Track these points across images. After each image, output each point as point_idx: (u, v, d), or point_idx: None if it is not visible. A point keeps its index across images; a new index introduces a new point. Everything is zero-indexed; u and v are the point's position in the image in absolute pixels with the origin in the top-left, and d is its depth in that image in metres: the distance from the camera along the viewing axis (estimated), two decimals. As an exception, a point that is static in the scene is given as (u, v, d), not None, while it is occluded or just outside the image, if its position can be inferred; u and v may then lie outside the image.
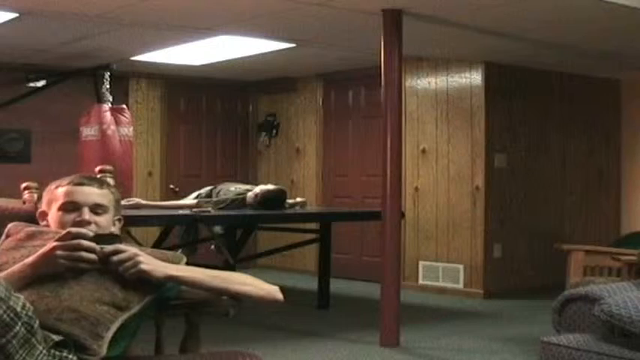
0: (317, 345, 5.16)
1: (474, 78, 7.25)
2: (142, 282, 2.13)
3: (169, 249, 5.08)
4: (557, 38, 6.16)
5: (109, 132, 7.04)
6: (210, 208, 5.71)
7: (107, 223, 2.33)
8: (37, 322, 1.85)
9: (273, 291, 2.26)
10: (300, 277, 8.20)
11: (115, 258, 2.09)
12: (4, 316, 1.76)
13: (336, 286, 6.99)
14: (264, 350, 4.94)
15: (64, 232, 2.19)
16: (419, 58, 7.49)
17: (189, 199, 6.38)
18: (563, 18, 5.44)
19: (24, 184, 2.86)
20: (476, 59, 7.15)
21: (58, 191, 2.33)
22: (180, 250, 5.96)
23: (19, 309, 1.79)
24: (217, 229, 6.53)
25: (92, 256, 2.07)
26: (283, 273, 8.55)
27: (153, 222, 6.11)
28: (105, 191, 2.36)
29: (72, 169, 6.11)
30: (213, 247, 6.76)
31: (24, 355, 1.80)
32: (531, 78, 7.56)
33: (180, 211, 5.78)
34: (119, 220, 2.41)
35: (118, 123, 7.13)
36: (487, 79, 7.19)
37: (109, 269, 2.10)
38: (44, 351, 1.86)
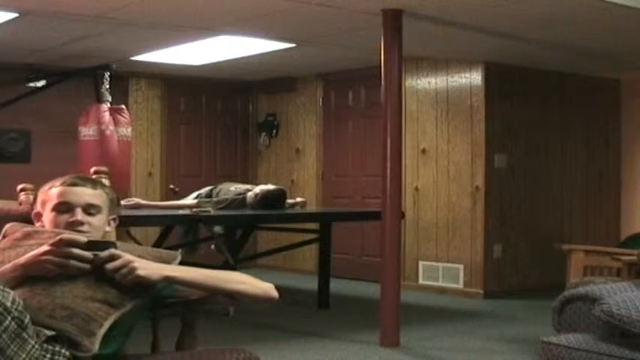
0: (317, 345, 5.16)
1: (474, 78, 7.25)
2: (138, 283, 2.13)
3: (170, 249, 5.08)
4: (557, 38, 6.16)
5: (108, 132, 7.02)
6: (210, 208, 5.71)
7: (101, 223, 2.33)
8: (28, 316, 1.86)
9: (268, 289, 2.27)
10: (300, 277, 8.20)
11: (110, 266, 2.08)
12: None
13: (336, 286, 6.99)
14: (264, 350, 4.94)
15: (58, 233, 2.19)
16: (419, 58, 7.49)
17: (189, 199, 6.38)
18: (563, 18, 5.44)
19: (20, 186, 2.88)
20: (476, 59, 7.15)
21: (52, 192, 2.33)
22: (180, 250, 5.96)
23: (8, 304, 1.81)
24: (217, 229, 6.52)
25: (84, 265, 2.06)
26: (283, 273, 8.55)
27: (153, 222, 6.12)
28: (98, 191, 2.35)
29: (72, 169, 6.12)
30: (213, 247, 6.76)
31: (15, 349, 1.82)
32: (531, 78, 7.56)
33: (180, 211, 5.78)
34: (114, 219, 2.41)
35: (116, 123, 7.11)
36: (487, 79, 7.18)
37: (102, 272, 2.09)
38: (37, 345, 1.88)
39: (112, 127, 7.05)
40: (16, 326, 1.82)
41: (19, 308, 1.83)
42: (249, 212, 6.09)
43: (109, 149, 6.99)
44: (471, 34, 5.93)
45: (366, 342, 5.21)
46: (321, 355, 4.87)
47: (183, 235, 6.90)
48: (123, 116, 7.20)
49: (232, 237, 6.55)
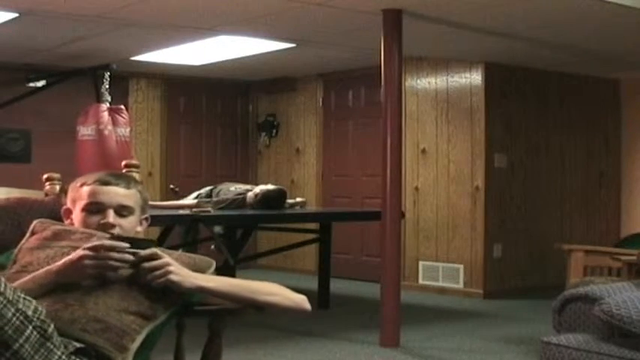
0: (317, 345, 5.16)
1: (474, 78, 7.25)
2: (169, 291, 2.07)
3: (170, 249, 5.07)
4: (557, 38, 6.16)
5: (106, 132, 7.02)
6: (210, 208, 5.71)
7: (132, 225, 2.25)
8: (52, 326, 1.80)
9: (300, 301, 2.23)
10: (300, 277, 8.20)
11: (147, 264, 2.02)
12: (14, 319, 1.72)
13: (336, 286, 6.99)
14: (264, 350, 4.94)
15: (92, 234, 2.12)
16: (419, 58, 7.49)
17: (189, 199, 6.38)
18: (563, 18, 5.44)
19: (46, 175, 2.78)
20: (476, 59, 7.15)
21: (83, 190, 2.24)
22: (180, 250, 5.96)
23: (30, 312, 1.75)
24: (217, 229, 6.53)
25: (122, 271, 2.01)
26: (283, 273, 8.55)
27: (153, 222, 6.09)
28: (132, 191, 2.26)
29: (72, 169, 6.13)
30: (213, 247, 6.76)
31: None
32: (531, 78, 7.56)
33: (181, 211, 5.78)
34: (146, 219, 2.34)
35: (115, 123, 7.11)
36: (487, 79, 7.19)
37: (137, 277, 2.03)
38: (64, 357, 1.81)
39: (110, 127, 7.05)
40: (38, 336, 1.75)
41: (42, 317, 1.77)
42: (249, 212, 6.09)
43: (107, 149, 6.99)
44: (471, 34, 5.93)
45: (366, 342, 5.21)
46: (321, 355, 4.87)
47: (183, 235, 6.90)
48: (121, 116, 7.20)
49: (232, 237, 6.55)
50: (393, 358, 4.84)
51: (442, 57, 7.34)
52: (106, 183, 2.24)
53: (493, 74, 7.23)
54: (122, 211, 2.23)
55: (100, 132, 7.01)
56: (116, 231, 2.18)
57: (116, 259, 2.00)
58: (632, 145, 8.13)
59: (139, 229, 2.31)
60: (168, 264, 2.05)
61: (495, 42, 6.25)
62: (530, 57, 6.99)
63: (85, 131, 7.07)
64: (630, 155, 8.15)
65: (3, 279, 1.77)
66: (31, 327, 1.74)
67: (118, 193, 2.23)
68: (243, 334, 5.34)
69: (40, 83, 7.84)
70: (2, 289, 1.73)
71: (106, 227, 2.18)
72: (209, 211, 5.60)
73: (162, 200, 7.63)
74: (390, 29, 5.15)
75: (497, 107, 7.27)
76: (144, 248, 2.04)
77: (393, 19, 5.13)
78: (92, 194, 2.22)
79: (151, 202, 6.90)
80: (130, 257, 2.01)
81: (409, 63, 7.41)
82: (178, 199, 7.02)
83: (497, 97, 7.27)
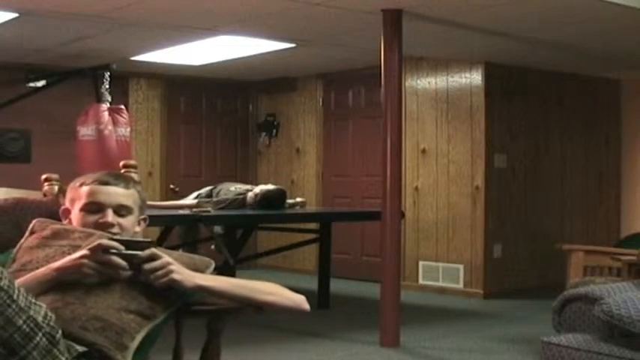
0: (317, 345, 5.16)
1: (474, 78, 7.25)
2: (169, 290, 2.07)
3: (170, 249, 5.06)
4: (557, 38, 6.16)
5: (106, 132, 7.02)
6: (210, 208, 5.71)
7: (131, 224, 2.26)
8: (60, 332, 1.79)
9: (299, 301, 2.23)
10: (300, 277, 8.20)
11: (148, 266, 2.03)
12: (24, 326, 1.72)
13: (336, 286, 6.99)
14: (264, 350, 4.95)
15: (91, 233, 2.12)
16: (419, 58, 7.49)
17: (189, 199, 6.38)
18: (563, 18, 5.44)
19: (44, 176, 2.78)
20: (476, 59, 7.15)
21: (82, 190, 2.24)
22: (180, 250, 5.96)
23: (40, 319, 1.75)
24: (217, 229, 6.53)
25: (122, 273, 2.01)
26: (283, 273, 8.55)
27: (153, 222, 6.09)
28: (130, 191, 2.26)
29: (72, 169, 6.13)
30: (213, 247, 6.76)
31: None
32: (531, 78, 7.56)
33: (180, 211, 5.78)
34: (144, 219, 2.34)
35: (115, 123, 7.11)
36: (487, 79, 7.18)
37: (138, 276, 2.03)
38: None
39: (110, 127, 7.05)
40: (47, 342, 1.75)
41: (51, 323, 1.77)
42: (249, 212, 6.09)
43: (108, 149, 6.98)
44: (471, 34, 5.93)
45: (366, 342, 5.21)
46: (321, 355, 4.87)
47: (183, 235, 6.90)
48: (122, 116, 7.20)
49: (232, 237, 6.55)
50: (393, 358, 4.84)
51: (442, 57, 7.34)
52: (106, 183, 2.24)
53: (493, 74, 7.23)
54: (121, 210, 2.23)
55: (100, 132, 7.00)
56: (115, 230, 2.18)
57: (114, 264, 1.99)
58: (631, 145, 8.13)
59: (138, 229, 2.31)
60: (169, 263, 2.05)
61: (495, 42, 6.25)
62: (530, 57, 6.99)
63: (86, 131, 7.06)
64: (630, 155, 8.15)
65: (16, 285, 1.75)
66: (40, 334, 1.74)
67: (117, 193, 2.24)
68: (243, 334, 5.34)
69: (40, 83, 7.84)
70: (15, 297, 1.72)
71: (104, 226, 2.18)
72: (209, 211, 5.60)
73: (162, 200, 7.64)
74: (390, 29, 5.15)
75: (497, 107, 7.27)
76: (143, 249, 2.04)
77: (393, 19, 5.13)
78: (91, 194, 2.22)
79: (151, 202, 6.93)
80: (126, 265, 2.01)
81: (409, 63, 7.41)
82: (178, 199, 7.03)
83: (497, 97, 7.27)
